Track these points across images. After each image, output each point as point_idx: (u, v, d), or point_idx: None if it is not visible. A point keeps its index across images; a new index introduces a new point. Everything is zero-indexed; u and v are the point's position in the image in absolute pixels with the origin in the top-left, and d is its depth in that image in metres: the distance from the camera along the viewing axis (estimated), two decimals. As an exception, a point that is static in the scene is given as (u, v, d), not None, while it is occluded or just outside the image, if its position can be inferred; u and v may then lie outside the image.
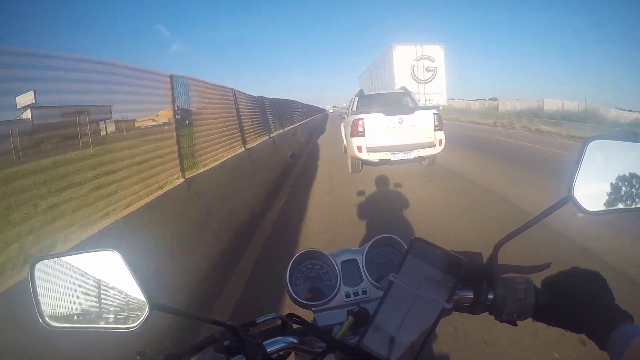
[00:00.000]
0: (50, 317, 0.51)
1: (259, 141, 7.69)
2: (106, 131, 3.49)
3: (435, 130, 7.09)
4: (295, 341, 0.60)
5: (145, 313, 0.48)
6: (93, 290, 0.52)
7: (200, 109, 4.61)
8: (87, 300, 0.51)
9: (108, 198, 2.43)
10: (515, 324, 0.60)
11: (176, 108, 3.58)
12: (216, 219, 3.92)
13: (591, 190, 0.53)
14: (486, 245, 0.64)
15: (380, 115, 7.09)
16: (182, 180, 3.50)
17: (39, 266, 0.53)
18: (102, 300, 0.51)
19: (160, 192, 3.03)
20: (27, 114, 2.06)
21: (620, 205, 0.53)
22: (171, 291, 2.58)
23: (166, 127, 3.70)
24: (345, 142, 8.47)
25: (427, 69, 18.66)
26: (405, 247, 0.57)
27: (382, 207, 5.33)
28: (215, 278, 3.21)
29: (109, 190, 2.51)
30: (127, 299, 0.50)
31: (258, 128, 7.93)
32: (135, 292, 0.49)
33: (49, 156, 2.25)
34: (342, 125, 9.39)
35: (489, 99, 34.13)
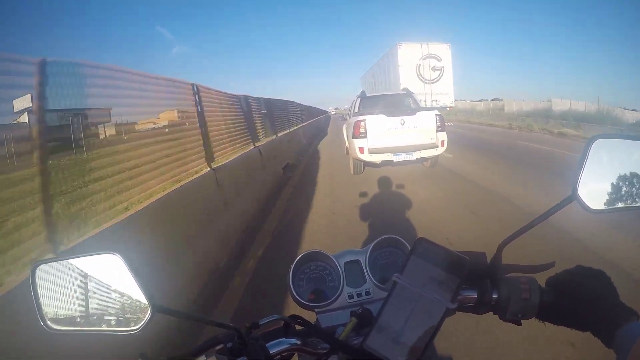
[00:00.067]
0: (52, 320, 0.51)
1: (239, 154, 5.56)
2: (105, 134, 3.46)
3: (437, 131, 7.07)
4: (299, 343, 0.59)
5: (147, 316, 0.48)
6: (94, 293, 0.52)
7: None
8: (89, 303, 0.51)
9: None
10: (519, 324, 0.60)
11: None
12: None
13: (596, 188, 0.52)
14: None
15: (382, 116, 7.09)
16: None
17: (40, 269, 0.53)
18: (104, 303, 0.51)
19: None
20: (24, 118, 2.05)
21: (626, 204, 0.53)
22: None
23: (167, 130, 3.68)
24: (347, 143, 8.47)
25: (434, 69, 17.87)
26: (409, 248, 0.56)
27: (385, 209, 5.32)
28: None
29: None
30: (129, 301, 0.50)
31: (238, 136, 5.88)
32: (137, 294, 0.49)
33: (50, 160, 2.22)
34: (344, 126, 9.39)
35: (492, 100, 34.03)
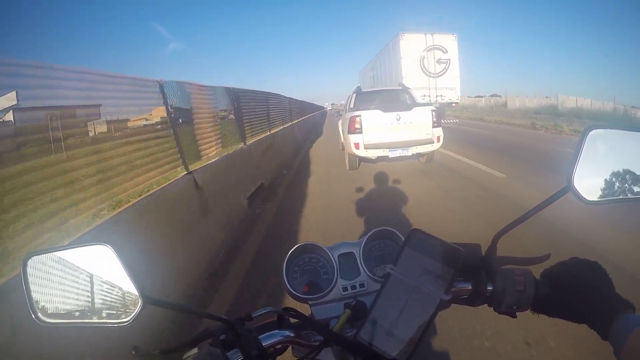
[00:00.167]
0: (44, 313, 0.51)
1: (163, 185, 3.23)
2: (95, 132, 3.29)
3: (433, 127, 7.08)
4: (292, 335, 0.59)
5: (137, 307, 0.47)
6: (86, 285, 0.51)
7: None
8: (80, 295, 0.51)
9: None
10: (514, 316, 0.60)
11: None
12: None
13: (591, 179, 0.52)
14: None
15: (378, 111, 7.09)
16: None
17: (31, 262, 0.52)
18: (95, 295, 0.51)
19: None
20: (9, 116, 2.00)
21: (621, 195, 0.53)
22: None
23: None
24: (342, 139, 8.46)
25: (439, 61, 16.15)
26: (403, 240, 0.56)
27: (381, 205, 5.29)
28: None
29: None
30: (120, 293, 0.49)
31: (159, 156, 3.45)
32: (127, 286, 0.48)
33: (29, 160, 2.10)
34: (340, 122, 9.37)
35: (490, 96, 33.94)
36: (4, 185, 1.90)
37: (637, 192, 0.52)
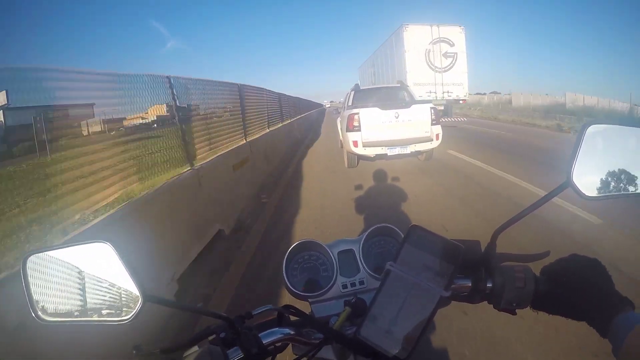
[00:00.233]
0: (43, 311, 0.51)
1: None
2: (88, 132, 3.19)
3: (432, 124, 7.07)
4: (292, 332, 0.59)
5: (138, 305, 0.47)
6: (86, 283, 0.51)
7: None
8: (80, 293, 0.51)
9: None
10: (514, 313, 0.59)
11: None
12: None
13: (590, 175, 0.52)
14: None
15: (376, 109, 7.07)
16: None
17: (31, 260, 0.52)
18: (95, 293, 0.51)
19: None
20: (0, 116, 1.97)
21: (620, 191, 0.53)
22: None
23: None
24: (341, 137, 8.43)
25: (445, 55, 14.78)
26: (403, 237, 0.56)
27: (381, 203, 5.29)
28: None
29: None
30: (120, 291, 0.49)
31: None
32: (127, 284, 0.48)
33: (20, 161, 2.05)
34: (338, 119, 9.34)
35: (490, 93, 33.69)
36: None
37: (635, 187, 0.52)
